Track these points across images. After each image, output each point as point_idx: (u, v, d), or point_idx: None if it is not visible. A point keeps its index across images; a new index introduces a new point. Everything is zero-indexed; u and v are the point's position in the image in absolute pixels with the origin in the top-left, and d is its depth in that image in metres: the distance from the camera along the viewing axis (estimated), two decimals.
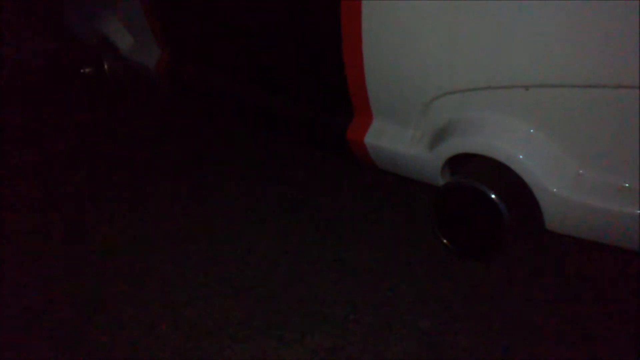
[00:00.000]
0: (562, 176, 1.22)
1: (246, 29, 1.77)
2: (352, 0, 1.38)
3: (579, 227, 1.25)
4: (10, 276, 1.70)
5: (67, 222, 1.93)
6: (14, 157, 2.36)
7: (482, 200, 1.29)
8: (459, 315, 1.50)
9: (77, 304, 1.58)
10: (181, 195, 2.05)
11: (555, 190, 1.22)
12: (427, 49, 1.31)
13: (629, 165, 1.15)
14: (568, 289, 1.57)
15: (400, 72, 1.38)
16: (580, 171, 1.21)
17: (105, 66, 2.52)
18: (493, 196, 1.27)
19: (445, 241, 1.40)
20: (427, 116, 1.39)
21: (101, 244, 1.82)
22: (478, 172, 1.32)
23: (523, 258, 1.68)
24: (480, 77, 1.24)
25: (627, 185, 1.16)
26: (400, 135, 1.46)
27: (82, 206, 2.02)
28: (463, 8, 1.22)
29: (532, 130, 1.23)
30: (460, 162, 1.38)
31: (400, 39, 1.34)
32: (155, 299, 1.59)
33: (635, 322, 1.45)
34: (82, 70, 2.60)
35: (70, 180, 2.17)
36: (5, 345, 1.47)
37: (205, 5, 1.88)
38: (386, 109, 1.48)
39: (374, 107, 1.49)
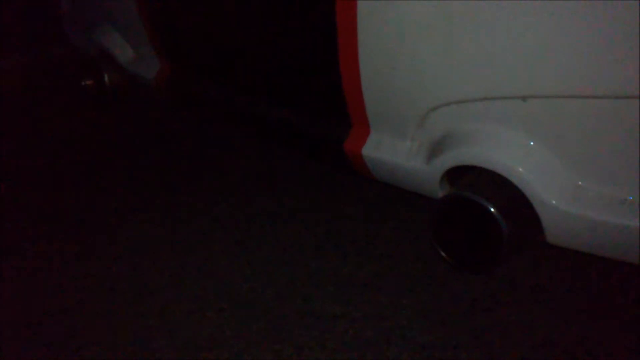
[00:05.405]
0: (561, 188, 1.20)
1: (245, 41, 1.78)
2: (348, 11, 1.38)
3: (580, 240, 1.24)
4: (8, 289, 1.69)
5: (65, 236, 1.92)
6: (11, 167, 2.37)
7: (481, 213, 1.27)
8: (459, 329, 1.48)
9: (72, 317, 1.57)
10: (178, 206, 2.05)
11: (554, 202, 1.21)
12: (423, 60, 1.30)
13: (629, 177, 1.13)
14: (571, 303, 1.55)
15: (396, 84, 1.37)
16: (580, 183, 1.19)
17: (106, 78, 2.53)
18: (492, 209, 1.26)
19: (444, 254, 1.39)
20: (425, 128, 1.38)
21: (97, 255, 1.81)
22: (477, 184, 1.31)
23: (523, 271, 1.67)
24: (477, 88, 1.24)
25: (628, 197, 1.15)
26: (397, 147, 1.45)
27: (80, 217, 2.01)
28: (459, 19, 1.21)
29: (531, 142, 1.22)
30: (459, 174, 1.37)
31: (396, 51, 1.34)
32: (151, 312, 1.57)
33: None
34: (82, 83, 2.62)
35: (70, 191, 2.17)
36: None
37: (204, 18, 1.88)
38: (383, 121, 1.47)
39: (372, 118, 1.48)
